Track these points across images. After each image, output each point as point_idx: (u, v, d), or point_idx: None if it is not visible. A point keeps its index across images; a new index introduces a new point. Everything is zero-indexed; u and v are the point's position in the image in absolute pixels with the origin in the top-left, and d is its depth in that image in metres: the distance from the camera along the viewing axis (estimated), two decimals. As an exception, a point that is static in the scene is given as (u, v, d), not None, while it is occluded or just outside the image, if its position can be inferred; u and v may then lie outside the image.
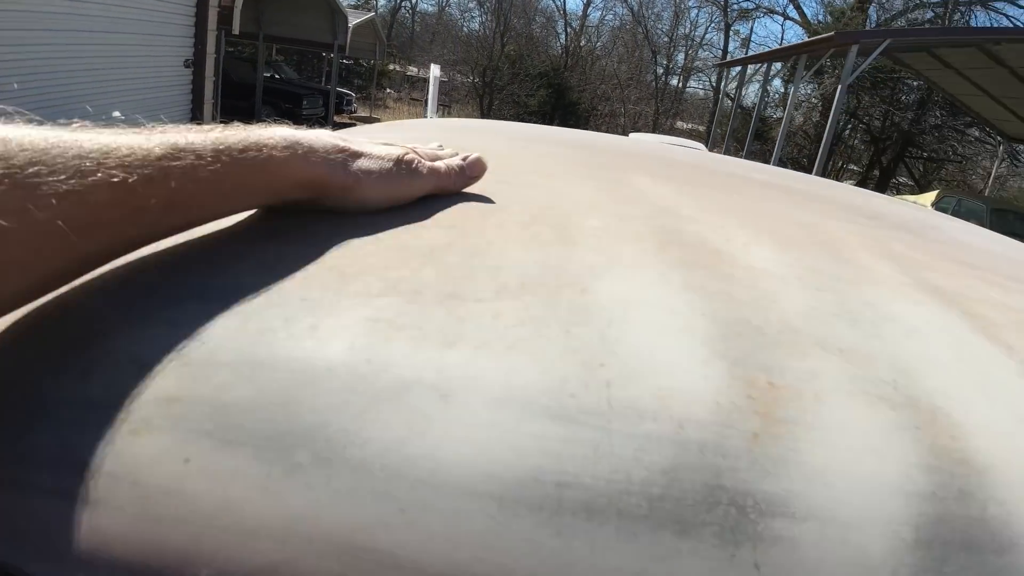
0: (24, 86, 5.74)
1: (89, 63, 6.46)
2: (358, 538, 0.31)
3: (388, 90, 25.31)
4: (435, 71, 7.87)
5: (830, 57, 12.68)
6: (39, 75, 5.87)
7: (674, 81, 27.97)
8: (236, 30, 8.46)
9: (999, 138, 17.06)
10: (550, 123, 23.00)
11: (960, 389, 0.40)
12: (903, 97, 21.16)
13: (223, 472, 0.32)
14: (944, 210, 12.63)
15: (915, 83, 19.70)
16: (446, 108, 20.16)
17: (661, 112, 25.59)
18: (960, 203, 12.73)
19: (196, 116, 8.53)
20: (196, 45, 8.15)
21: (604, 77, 25.82)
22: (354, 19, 15.45)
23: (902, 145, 21.16)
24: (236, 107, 13.49)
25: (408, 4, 37.93)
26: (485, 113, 20.13)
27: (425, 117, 7.20)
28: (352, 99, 18.94)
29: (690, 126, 26.15)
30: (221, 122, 0.45)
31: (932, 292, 0.52)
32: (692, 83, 28.90)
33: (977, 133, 20.53)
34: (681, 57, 27.97)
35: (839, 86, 9.71)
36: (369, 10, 25.56)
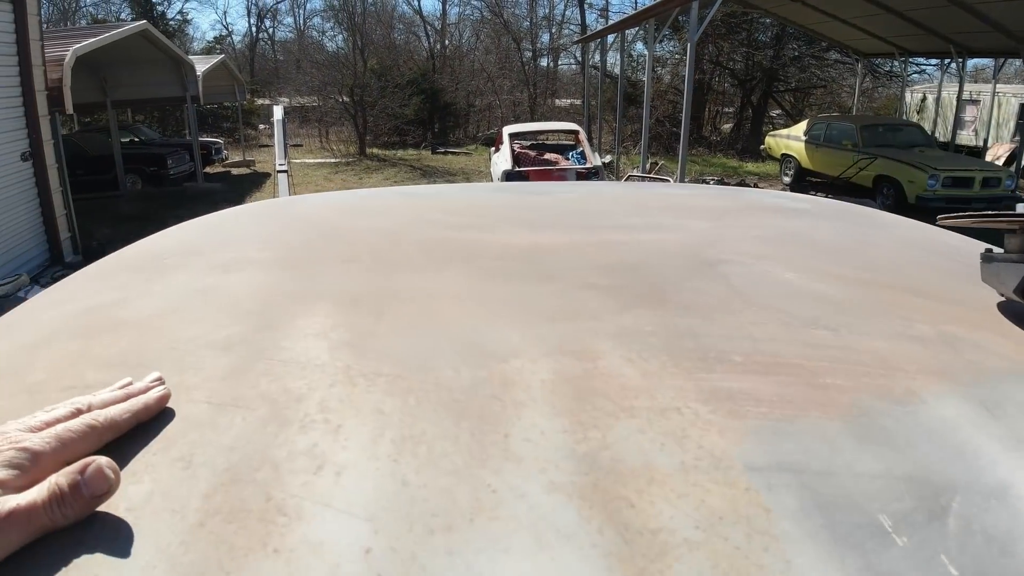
0: None
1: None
2: None
3: (262, 126, 24.57)
4: (278, 113, 7.60)
5: (680, 14, 12.99)
6: None
7: (544, 62, 28.23)
8: (69, 109, 7.97)
9: (856, 57, 17.86)
10: (429, 128, 22.81)
11: None
12: (759, 36, 21.93)
13: None
14: (817, 136, 13.18)
15: (768, 21, 20.44)
16: (297, 147, 19.70)
17: (537, 95, 25.75)
18: (829, 126, 13.26)
19: (45, 210, 8.02)
20: (30, 135, 7.64)
21: (474, 72, 25.80)
22: (203, 65, 14.88)
23: (767, 82, 21.98)
24: (98, 182, 12.83)
25: (265, 36, 36.93)
26: (361, 132, 19.78)
27: (277, 163, 6.97)
28: (221, 147, 18.31)
29: (568, 102, 26.42)
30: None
31: None
32: (562, 61, 29.25)
33: (837, 55, 21.47)
34: (546, 38, 28.24)
35: (688, 43, 9.94)
36: (220, 52, 24.72)
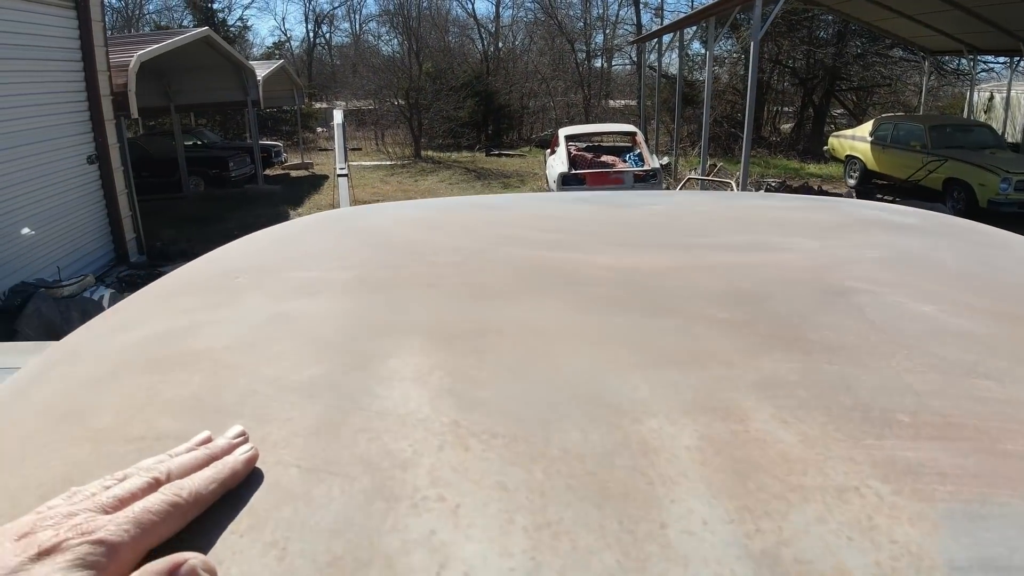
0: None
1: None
2: None
3: (320, 129, 24.99)
4: (338, 117, 7.62)
5: (740, 12, 12.68)
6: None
7: (598, 63, 28.03)
8: (134, 113, 8.17)
9: (922, 54, 17.21)
10: (483, 130, 22.85)
11: None
12: (820, 34, 21.31)
13: None
14: (883, 137, 12.71)
15: (830, 18, 19.85)
16: (356, 151, 19.94)
17: (591, 96, 25.57)
18: (896, 127, 12.77)
19: (111, 211, 8.24)
20: (96, 139, 7.86)
21: (528, 74, 25.75)
22: (263, 70, 15.16)
23: (830, 80, 21.33)
24: (162, 184, 13.19)
25: (322, 40, 37.62)
26: (416, 135, 19.91)
27: (336, 166, 6.99)
28: (280, 149, 18.65)
29: (622, 103, 26.16)
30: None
31: None
32: (616, 62, 28.99)
33: (901, 53, 20.74)
34: (600, 38, 28.04)
35: (752, 41, 9.67)
36: (279, 57, 25.23)
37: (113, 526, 0.38)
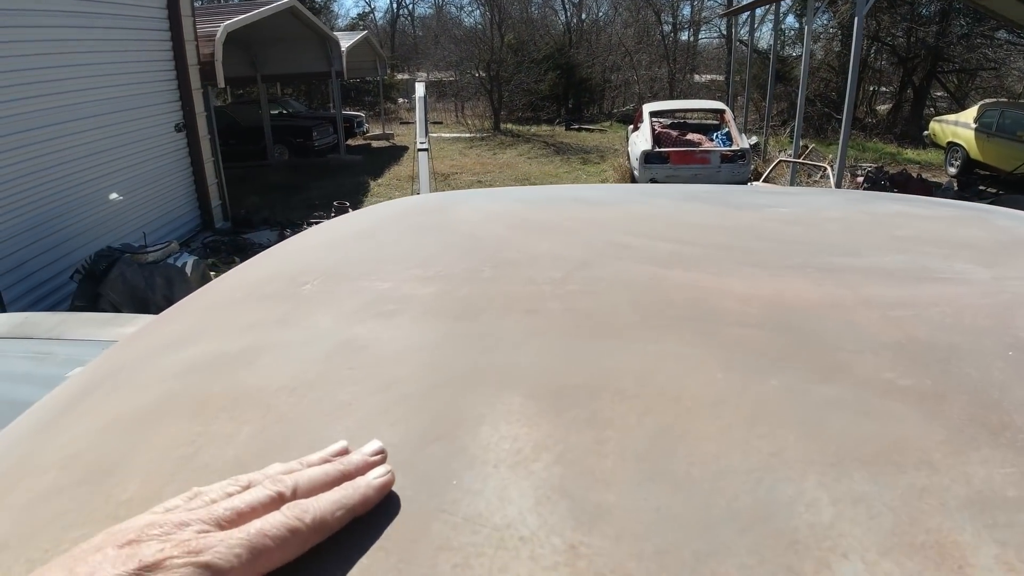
0: (30, 187, 5.69)
1: (81, 151, 6.38)
2: None
3: (401, 100, 25.13)
4: (420, 90, 7.48)
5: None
6: (39, 173, 5.82)
7: (684, 36, 27.09)
8: (220, 83, 8.30)
9: (1029, 38, 15.87)
10: (563, 103, 22.48)
11: None
12: (923, 11, 19.91)
13: None
14: (988, 124, 11.82)
15: (934, -6, 18.54)
16: (437, 124, 19.92)
17: (676, 70, 24.78)
18: (1003, 114, 11.87)
19: (197, 179, 8.43)
20: (184, 107, 8.03)
21: (611, 47, 25.12)
22: (347, 41, 15.24)
23: (931, 61, 19.95)
24: (248, 152, 13.50)
25: (405, 12, 37.77)
26: (496, 107, 19.74)
27: (417, 140, 6.89)
28: (363, 120, 18.83)
29: (708, 78, 25.25)
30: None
31: None
32: (704, 34, 27.96)
33: (1007, 35, 19.21)
34: (687, 10, 27.06)
35: (856, 16, 9.06)
36: (363, 28, 25.40)
37: (224, 548, 0.35)
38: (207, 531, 0.36)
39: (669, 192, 1.30)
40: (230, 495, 0.40)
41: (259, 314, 0.75)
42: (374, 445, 0.45)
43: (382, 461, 0.44)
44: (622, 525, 0.39)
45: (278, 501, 0.39)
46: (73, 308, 5.12)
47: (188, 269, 5.45)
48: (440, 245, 0.93)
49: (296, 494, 0.40)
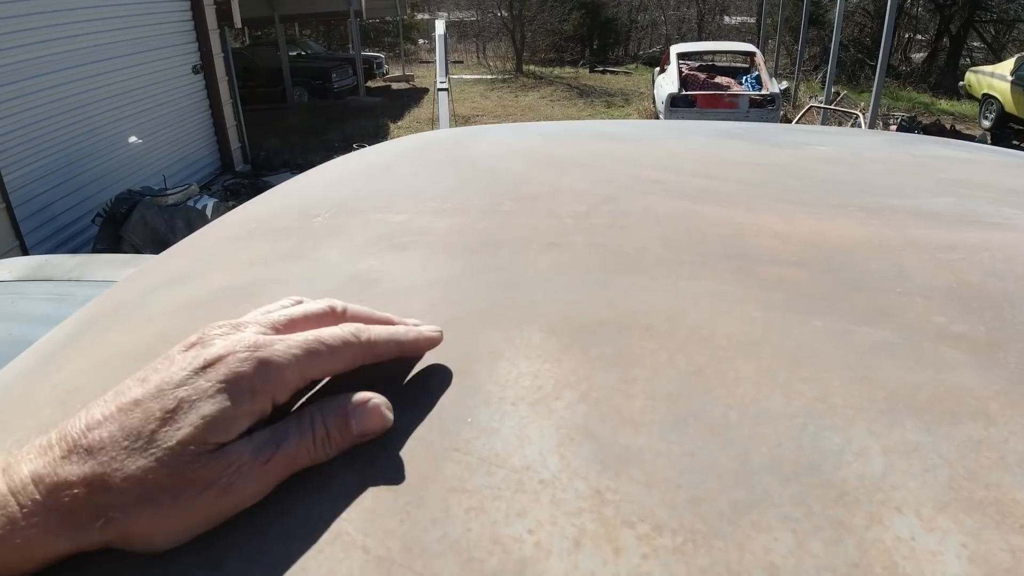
0: (50, 131, 5.69)
1: (98, 94, 6.35)
2: None
3: (421, 41, 24.68)
4: (439, 28, 7.26)
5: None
6: (58, 117, 5.81)
7: (715, -26, 26.15)
8: (237, 23, 8.17)
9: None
10: (588, 45, 21.95)
11: None
12: (963, -44, 19.00)
13: None
14: None
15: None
16: (457, 63, 19.55)
17: (705, 11, 24.01)
18: None
19: (216, 121, 8.37)
20: (201, 48, 7.91)
21: (638, -14, 24.33)
22: (367, -21, 14.90)
23: (970, 9, 19.10)
24: (267, 94, 13.39)
25: (426, -52, 36.81)
26: (518, 48, 19.31)
27: (438, 80, 6.75)
28: (382, 61, 18.54)
29: (739, 20, 24.46)
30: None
31: None
32: (735, -27, 26.95)
33: (1045, -14, 18.33)
34: (719, -53, 26.06)
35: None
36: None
37: (282, 347, 0.36)
38: (266, 332, 0.38)
39: (701, 129, 1.24)
40: (285, 307, 0.42)
41: (266, 248, 0.72)
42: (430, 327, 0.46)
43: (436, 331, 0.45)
44: (652, 470, 0.35)
45: (331, 316, 0.42)
46: (95, 251, 5.15)
47: (208, 212, 5.45)
48: (458, 179, 0.88)
49: (347, 315, 0.42)
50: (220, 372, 0.34)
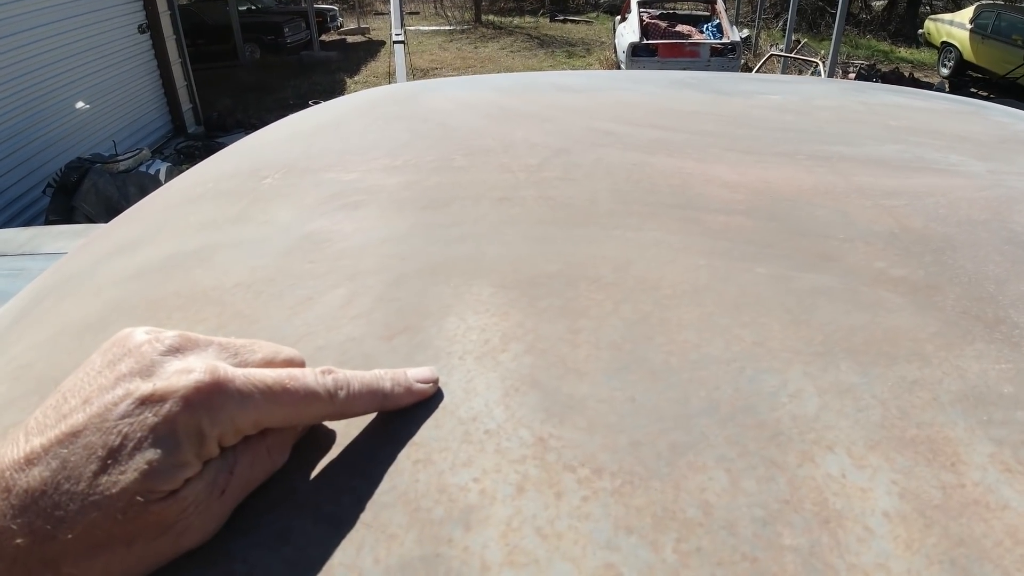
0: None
1: (40, 60, 6.09)
2: None
3: (376, -8, 23.98)
4: (393, -26, 7.05)
5: None
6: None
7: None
8: (184, -23, 7.83)
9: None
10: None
11: None
12: None
13: None
14: (984, 26, 11.51)
15: None
16: (413, 15, 19.06)
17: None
18: (999, 17, 11.59)
19: (166, 82, 8.10)
20: (146, 7, 7.60)
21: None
22: (317, -72, 14.38)
23: (931, -50, 19.14)
24: (217, 52, 12.95)
25: None
26: None
27: (393, 33, 6.60)
28: (336, 14, 18.00)
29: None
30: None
31: None
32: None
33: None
34: None
35: None
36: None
37: (242, 383, 0.32)
38: (226, 360, 0.35)
39: (656, 79, 1.23)
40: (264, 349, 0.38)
41: (215, 212, 0.71)
42: (425, 371, 0.40)
43: (432, 379, 0.40)
44: (594, 416, 0.36)
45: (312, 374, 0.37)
46: (48, 222, 4.99)
47: (162, 176, 5.31)
48: (409, 134, 0.88)
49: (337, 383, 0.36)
50: (168, 409, 0.30)
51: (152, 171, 5.29)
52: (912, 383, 0.40)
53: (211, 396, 0.31)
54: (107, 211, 4.82)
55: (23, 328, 0.59)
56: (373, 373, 0.37)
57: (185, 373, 0.31)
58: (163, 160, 5.74)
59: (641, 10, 10.59)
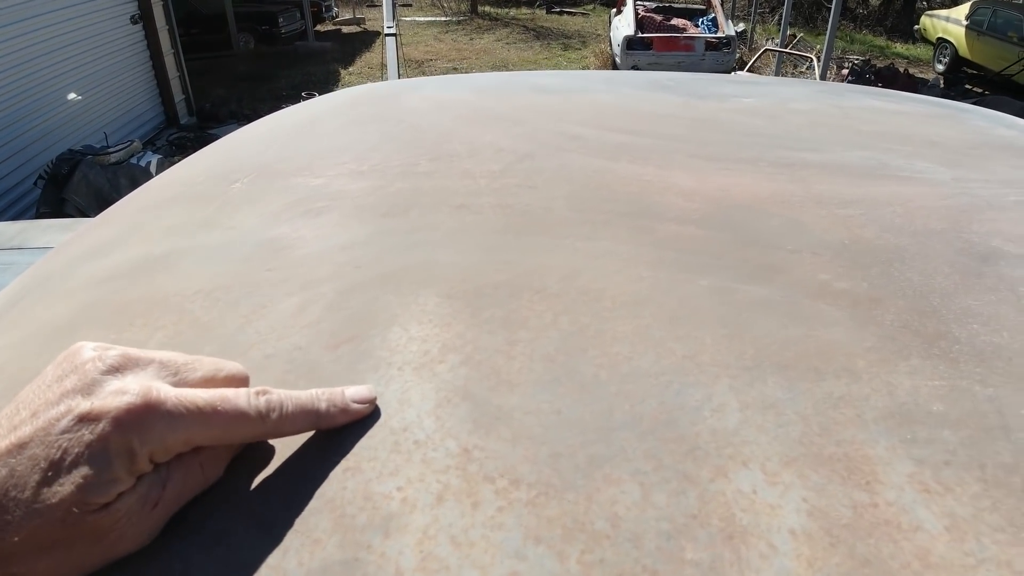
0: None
1: (32, 51, 6.06)
2: None
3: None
4: (387, -34, 6.99)
5: None
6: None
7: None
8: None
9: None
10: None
11: None
12: None
13: None
14: (980, 22, 11.51)
15: None
16: (407, 7, 18.96)
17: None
18: (995, 13, 11.59)
19: (158, 73, 8.06)
20: (138, -4, 7.55)
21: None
22: (312, -83, 14.29)
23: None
24: (211, 42, 12.88)
25: None
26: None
27: (385, 25, 6.56)
28: (331, 3, 17.92)
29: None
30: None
31: None
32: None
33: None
34: None
35: None
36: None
37: (174, 405, 0.34)
38: (164, 379, 0.36)
39: (634, 80, 1.24)
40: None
41: (185, 216, 0.72)
42: (363, 390, 0.41)
43: (369, 400, 0.41)
44: (520, 428, 0.38)
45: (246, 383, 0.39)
46: (39, 215, 4.98)
47: (153, 168, 5.29)
48: (380, 137, 0.89)
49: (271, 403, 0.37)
50: (101, 428, 0.32)
51: (143, 163, 5.28)
52: (838, 399, 0.40)
53: (141, 417, 0.33)
54: (98, 203, 4.81)
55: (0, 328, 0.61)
56: (309, 393, 0.38)
57: (120, 394, 0.33)
58: (155, 152, 5.72)
59: (637, 3, 10.57)
